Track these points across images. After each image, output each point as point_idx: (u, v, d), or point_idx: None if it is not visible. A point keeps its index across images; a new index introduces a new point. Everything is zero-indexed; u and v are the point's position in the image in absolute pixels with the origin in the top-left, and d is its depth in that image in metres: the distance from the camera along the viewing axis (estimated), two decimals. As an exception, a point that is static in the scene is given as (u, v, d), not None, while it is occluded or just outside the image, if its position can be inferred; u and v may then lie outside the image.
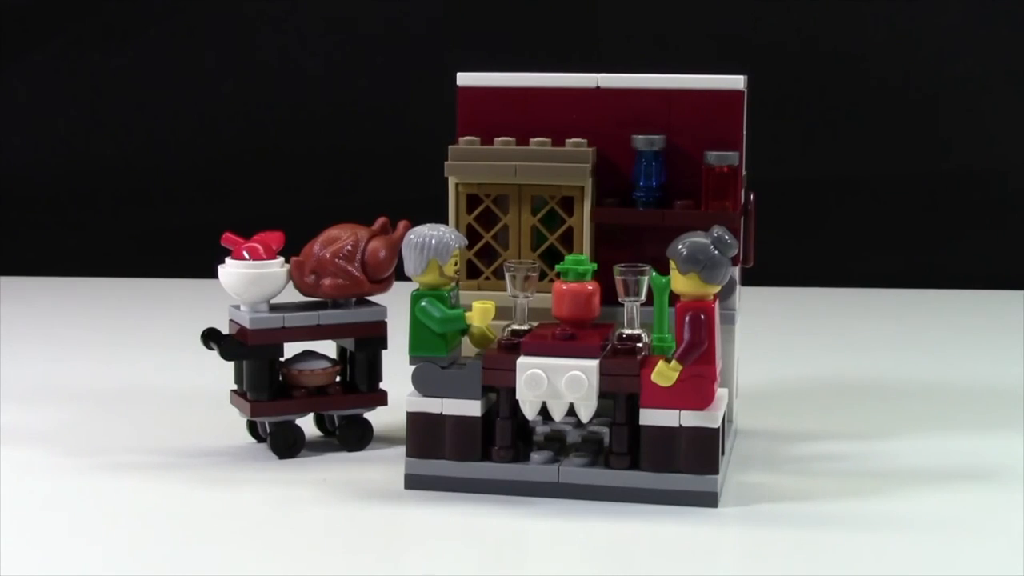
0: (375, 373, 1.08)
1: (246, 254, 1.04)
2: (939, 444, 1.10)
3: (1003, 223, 1.91)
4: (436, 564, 0.85)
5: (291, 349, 1.07)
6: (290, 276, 1.06)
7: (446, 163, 1.05)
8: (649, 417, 0.93)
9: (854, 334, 1.59)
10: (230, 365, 1.07)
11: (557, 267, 0.97)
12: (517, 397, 0.95)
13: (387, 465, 1.02)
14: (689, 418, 0.93)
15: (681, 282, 0.92)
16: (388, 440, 1.09)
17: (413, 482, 0.97)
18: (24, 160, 2.03)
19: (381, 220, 1.08)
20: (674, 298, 0.95)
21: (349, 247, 1.06)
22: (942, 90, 1.91)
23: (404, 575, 0.84)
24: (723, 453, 0.97)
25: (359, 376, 1.08)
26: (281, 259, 1.06)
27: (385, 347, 1.07)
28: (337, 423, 1.08)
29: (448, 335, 0.97)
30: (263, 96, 2.00)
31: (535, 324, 0.99)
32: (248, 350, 1.04)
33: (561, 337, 0.95)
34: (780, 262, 1.61)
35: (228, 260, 1.05)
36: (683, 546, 0.87)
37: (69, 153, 2.02)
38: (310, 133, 2.00)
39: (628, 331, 0.98)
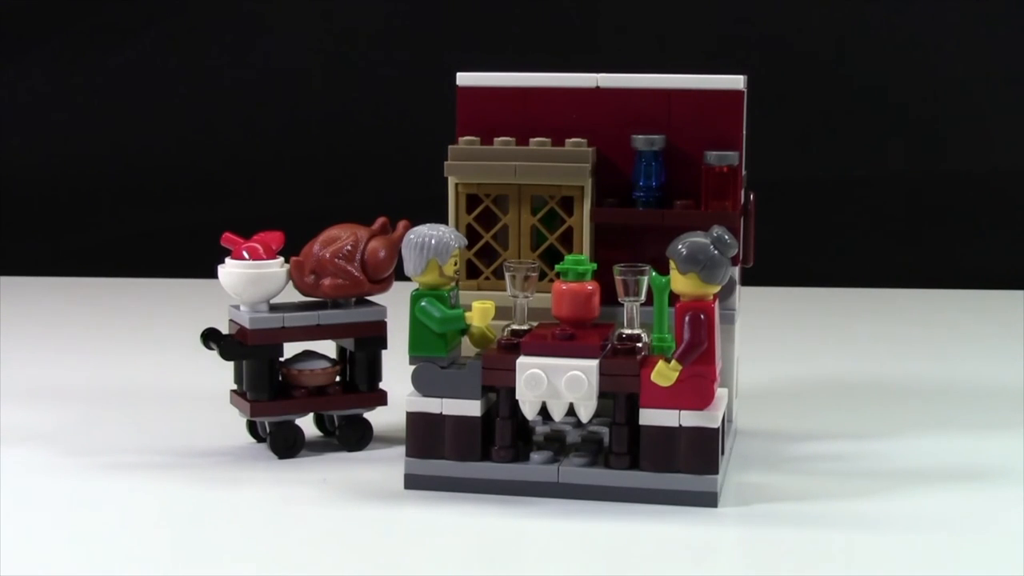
0: (375, 373, 1.08)
1: (246, 254, 1.04)
2: (939, 444, 1.10)
3: (1003, 223, 1.91)
4: (436, 564, 0.85)
5: (291, 349, 1.07)
6: (290, 276, 1.06)
7: (446, 163, 1.05)
8: (649, 417, 0.93)
9: (854, 334, 1.59)
10: (230, 365, 1.07)
11: (557, 267, 0.97)
12: (517, 397, 0.95)
13: (387, 465, 1.02)
14: (689, 418, 0.93)
15: (681, 282, 0.92)
16: (388, 440, 1.09)
17: (413, 482, 0.97)
18: (24, 160, 2.03)
19: (381, 220, 1.08)
20: (674, 298, 0.95)
21: (349, 247, 1.06)
22: (942, 90, 1.91)
23: (404, 575, 0.84)
24: (723, 453, 0.97)
25: (359, 376, 1.08)
26: (281, 259, 1.06)
27: (385, 347, 1.07)
28: (337, 423, 1.08)
29: (448, 335, 0.97)
30: (263, 96, 2.01)
31: (535, 324, 0.99)
32: (248, 350, 1.04)
33: (561, 337, 0.95)
34: (780, 262, 1.61)
35: (228, 260, 1.05)
36: (683, 546, 0.87)
37: (69, 153, 2.02)
38: (310, 133, 2.00)
39: (628, 331, 0.98)
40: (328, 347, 1.09)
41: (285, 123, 2.00)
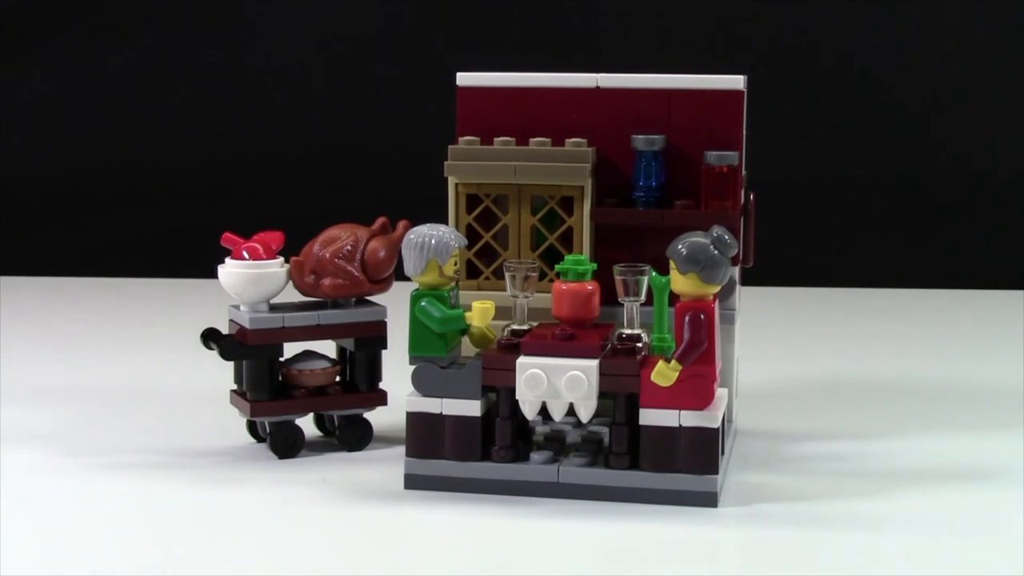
0: (375, 373, 1.08)
1: (246, 254, 1.04)
2: (939, 444, 1.10)
3: (1003, 223, 1.91)
4: (436, 564, 0.85)
5: (291, 349, 1.07)
6: (290, 276, 1.06)
7: (446, 163, 1.05)
8: (649, 417, 0.93)
9: (854, 334, 1.59)
10: (230, 365, 1.07)
11: (557, 267, 0.97)
12: (517, 397, 0.95)
13: (387, 465, 1.02)
14: (689, 418, 0.93)
15: (681, 282, 0.92)
16: (388, 440, 1.09)
17: (413, 482, 0.97)
18: (24, 160, 2.03)
19: (381, 220, 1.08)
20: (674, 298, 0.95)
21: (349, 247, 1.06)
22: (941, 90, 1.91)
23: (404, 575, 0.84)
24: (723, 453, 0.97)
25: (359, 376, 1.08)
26: (281, 259, 1.06)
27: (385, 347, 1.07)
28: (337, 423, 1.08)
29: (448, 335, 0.97)
30: (263, 96, 2.01)
31: (535, 324, 0.99)
32: (248, 350, 1.04)
33: (561, 337, 0.95)
34: (780, 262, 1.61)
35: (228, 260, 1.05)
36: (683, 546, 0.87)
37: (69, 153, 2.03)
38: (310, 133, 2.00)
39: (628, 331, 0.98)
40: (328, 347, 1.09)
41: (285, 123, 2.00)
